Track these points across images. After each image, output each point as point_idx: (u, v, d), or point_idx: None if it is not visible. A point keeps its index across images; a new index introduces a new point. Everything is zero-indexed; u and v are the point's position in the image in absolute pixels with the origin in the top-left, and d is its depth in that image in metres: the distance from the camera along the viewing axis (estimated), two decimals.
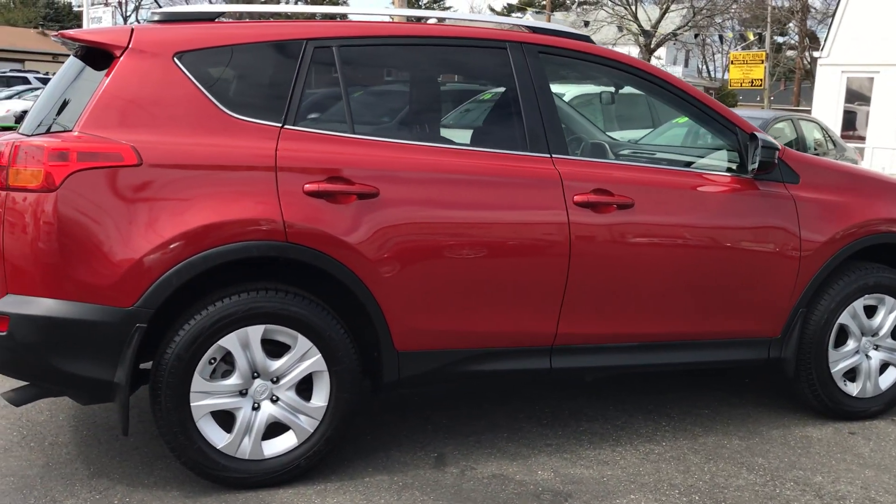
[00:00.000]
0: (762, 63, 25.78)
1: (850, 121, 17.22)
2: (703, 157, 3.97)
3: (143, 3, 50.21)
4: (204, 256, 2.88)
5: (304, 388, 3.12)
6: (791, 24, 38.09)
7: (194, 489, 3.07)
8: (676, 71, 49.11)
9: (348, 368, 3.12)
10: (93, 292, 2.83)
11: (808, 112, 19.42)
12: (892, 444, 3.67)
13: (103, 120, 2.91)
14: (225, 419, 3.04)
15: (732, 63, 26.50)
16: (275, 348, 3.06)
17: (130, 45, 2.99)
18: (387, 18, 3.60)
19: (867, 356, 3.87)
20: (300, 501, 3.01)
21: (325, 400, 3.11)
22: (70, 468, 3.22)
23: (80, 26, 43.75)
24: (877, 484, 3.28)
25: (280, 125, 3.06)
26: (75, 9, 44.24)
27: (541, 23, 3.61)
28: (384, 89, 3.49)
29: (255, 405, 3.06)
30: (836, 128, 14.04)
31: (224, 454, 3.02)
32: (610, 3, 34.77)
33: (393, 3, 17.80)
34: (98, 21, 28.25)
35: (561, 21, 41.05)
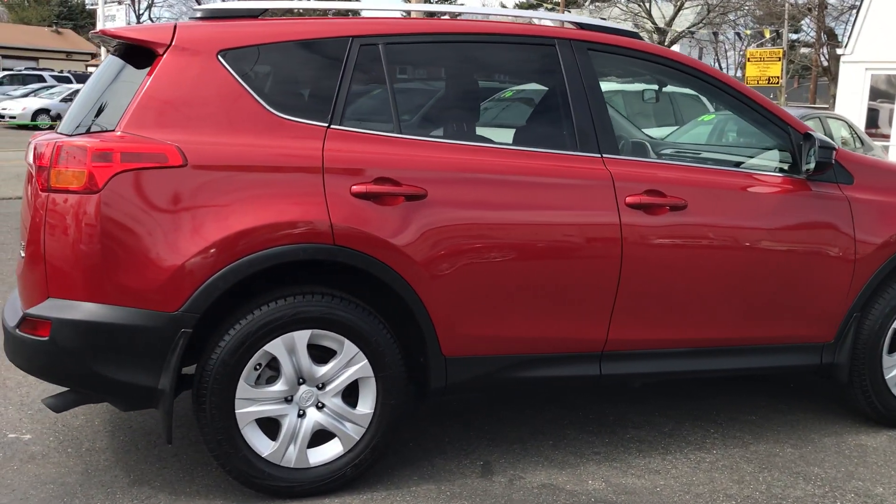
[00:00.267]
0: (779, 60, 25.55)
1: (872, 118, 17.01)
2: (751, 157, 3.86)
3: (155, 0, 50.31)
4: (250, 260, 2.80)
5: (349, 394, 3.04)
6: (805, 21, 37.79)
7: (238, 498, 2.99)
8: None
9: (395, 374, 3.03)
10: (136, 296, 2.76)
11: (826, 109, 19.21)
12: None
13: (146, 119, 2.83)
14: (270, 427, 2.96)
15: (749, 60, 26.26)
16: (320, 353, 2.98)
17: (174, 43, 2.91)
18: (402, 13, 3.51)
19: None
20: None
21: (372, 407, 3.03)
22: (109, 475, 3.15)
23: (93, 24, 43.86)
24: None
25: (326, 125, 2.98)
26: (88, 7, 44.29)
27: (588, 18, 3.52)
28: (430, 88, 3.40)
29: (301, 412, 2.98)
30: (859, 125, 13.85)
31: (269, 462, 2.95)
32: (624, 0, 34.59)
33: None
34: (112, 19, 28.28)
35: None
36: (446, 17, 3.40)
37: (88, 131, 2.97)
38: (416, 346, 3.11)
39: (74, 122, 3.08)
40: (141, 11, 49.04)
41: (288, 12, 4.11)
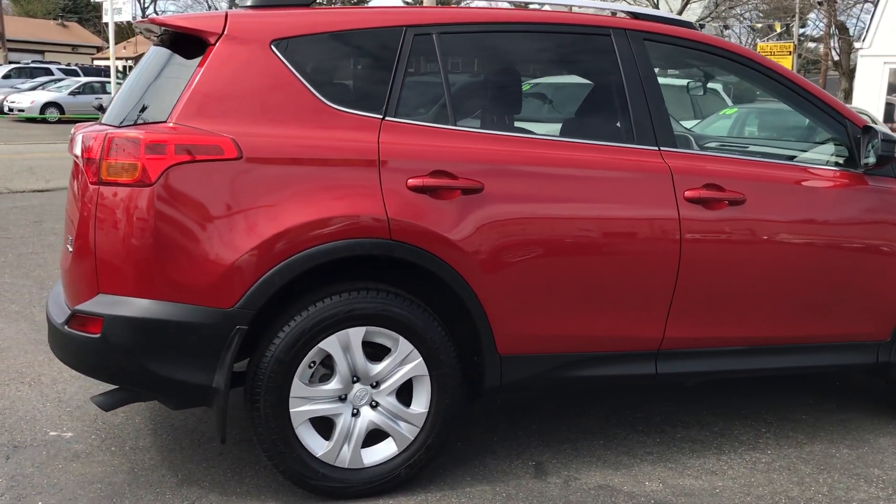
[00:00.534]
0: (790, 54, 25.41)
1: (889, 112, 16.89)
2: (803, 151, 3.78)
3: None
4: (307, 255, 2.72)
5: (402, 393, 2.97)
6: (813, 15, 37.57)
7: (289, 499, 2.93)
8: None
9: (450, 373, 2.96)
10: (190, 293, 2.68)
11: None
12: None
13: (198, 110, 2.75)
14: (323, 426, 2.89)
15: None
16: (373, 351, 2.91)
17: (225, 32, 2.83)
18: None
19: None
20: None
21: (426, 406, 2.96)
22: (156, 475, 3.08)
23: (98, 18, 43.71)
24: None
25: (381, 117, 2.90)
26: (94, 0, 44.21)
27: (642, 8, 3.42)
28: (484, 78, 3.31)
29: (355, 411, 2.91)
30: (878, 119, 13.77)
31: (323, 462, 2.88)
32: None
33: None
34: (119, 12, 28.13)
35: None
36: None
37: (136, 123, 2.89)
38: (470, 345, 3.03)
39: (121, 113, 3.00)
40: (146, 5, 48.92)
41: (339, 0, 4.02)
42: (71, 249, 2.89)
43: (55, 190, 10.63)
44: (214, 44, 2.82)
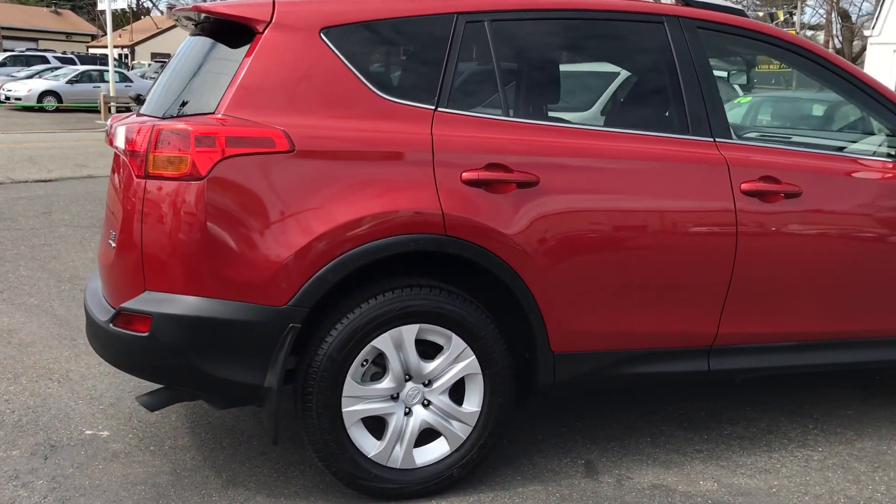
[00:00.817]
0: None
1: None
2: (854, 142, 3.71)
3: None
4: (361, 251, 2.64)
5: (453, 391, 2.89)
6: (812, 2, 37.43)
7: (339, 500, 2.86)
8: None
9: (503, 371, 2.89)
10: (241, 290, 2.60)
11: None
12: None
13: (247, 101, 2.66)
14: (374, 426, 2.82)
15: None
16: (425, 349, 2.83)
17: (274, 20, 2.74)
18: None
19: None
20: None
21: (479, 405, 2.88)
22: (200, 476, 3.00)
23: (92, 5, 43.29)
24: None
25: (433, 108, 2.81)
26: None
27: None
28: (537, 67, 3.22)
29: (407, 410, 2.83)
30: None
31: (375, 463, 2.80)
32: None
33: None
34: (114, 0, 27.86)
35: None
36: None
37: (180, 115, 2.79)
38: (522, 342, 2.96)
39: (162, 104, 2.90)
40: None
41: None
42: (114, 245, 2.80)
43: (59, 180, 10.51)
44: (262, 32, 2.73)
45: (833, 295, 3.25)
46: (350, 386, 2.73)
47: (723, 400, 3.84)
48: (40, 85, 24.73)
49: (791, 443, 3.42)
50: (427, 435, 2.89)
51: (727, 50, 3.88)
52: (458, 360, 2.83)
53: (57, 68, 27.14)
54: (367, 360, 2.76)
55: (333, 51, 2.75)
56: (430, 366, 2.82)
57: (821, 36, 35.54)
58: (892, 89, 3.45)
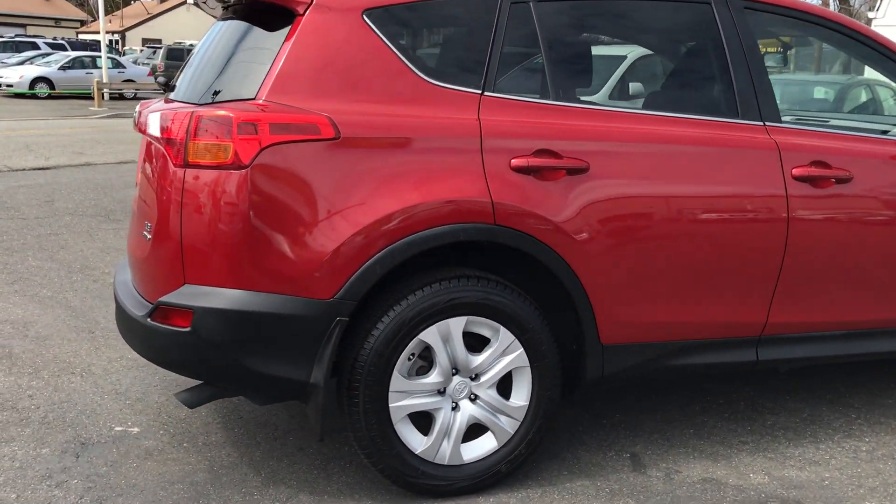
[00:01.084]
0: None
1: None
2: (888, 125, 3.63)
3: None
4: (409, 242, 2.54)
5: (501, 385, 2.81)
6: None
7: (385, 498, 2.77)
8: None
9: (550, 364, 2.80)
10: (286, 282, 2.50)
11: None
12: None
13: (289, 87, 2.55)
14: (420, 421, 2.74)
15: None
16: (472, 342, 2.74)
17: (314, 2, 2.62)
18: None
19: None
20: None
21: (526, 399, 2.80)
22: (238, 473, 2.92)
23: None
24: None
25: (480, 92, 2.71)
26: None
27: None
28: (585, 50, 3.12)
29: (454, 405, 2.75)
30: None
31: (422, 459, 2.72)
32: None
33: None
34: None
35: None
36: None
37: (216, 101, 2.67)
38: (570, 334, 2.88)
39: (197, 90, 2.78)
40: None
41: None
42: (149, 237, 2.70)
43: (57, 168, 10.35)
44: (303, 14, 2.61)
45: (885, 283, 3.17)
46: (397, 381, 2.64)
47: (760, 389, 3.78)
48: (32, 71, 24.42)
49: (836, 433, 3.36)
50: (473, 430, 2.80)
51: (775, 31, 3.78)
52: (505, 353, 2.75)
53: (48, 54, 26.81)
54: (413, 354, 2.67)
55: (377, 33, 2.65)
56: (478, 359, 2.73)
57: None
58: None
